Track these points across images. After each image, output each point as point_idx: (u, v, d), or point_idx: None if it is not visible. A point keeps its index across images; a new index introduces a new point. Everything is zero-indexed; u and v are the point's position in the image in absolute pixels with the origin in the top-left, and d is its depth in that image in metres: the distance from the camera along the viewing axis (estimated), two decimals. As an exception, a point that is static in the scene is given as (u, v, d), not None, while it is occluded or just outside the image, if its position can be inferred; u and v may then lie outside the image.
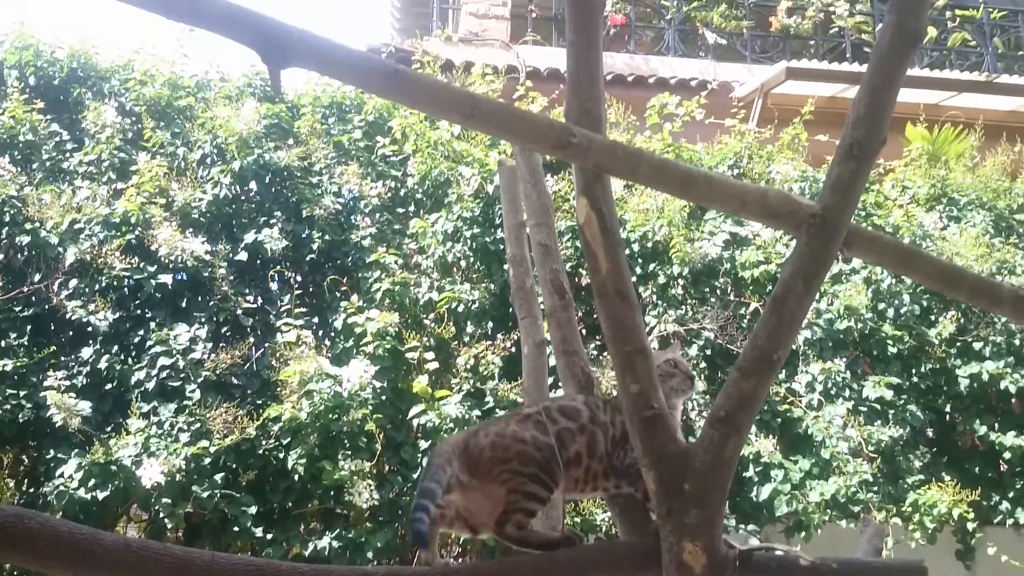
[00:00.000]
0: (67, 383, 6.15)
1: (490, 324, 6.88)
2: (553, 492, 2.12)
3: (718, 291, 7.16)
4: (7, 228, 6.61)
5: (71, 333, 6.61)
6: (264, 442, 6.22)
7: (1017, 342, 7.12)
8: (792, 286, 1.94)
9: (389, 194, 7.58)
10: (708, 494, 1.93)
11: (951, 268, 2.18)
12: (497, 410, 6.48)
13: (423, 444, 6.32)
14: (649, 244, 7.11)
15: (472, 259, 7.08)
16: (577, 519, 6.01)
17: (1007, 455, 6.91)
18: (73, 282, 6.60)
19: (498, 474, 2.10)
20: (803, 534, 6.20)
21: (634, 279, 7.02)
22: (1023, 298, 2.03)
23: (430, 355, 6.49)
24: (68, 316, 6.44)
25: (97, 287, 6.57)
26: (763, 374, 1.95)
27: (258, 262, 7.07)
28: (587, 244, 2.14)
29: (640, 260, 7.12)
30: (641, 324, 2.09)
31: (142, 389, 6.26)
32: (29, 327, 6.52)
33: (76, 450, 5.99)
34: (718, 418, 1.95)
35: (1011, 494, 6.95)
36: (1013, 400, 7.22)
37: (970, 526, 6.44)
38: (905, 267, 2.10)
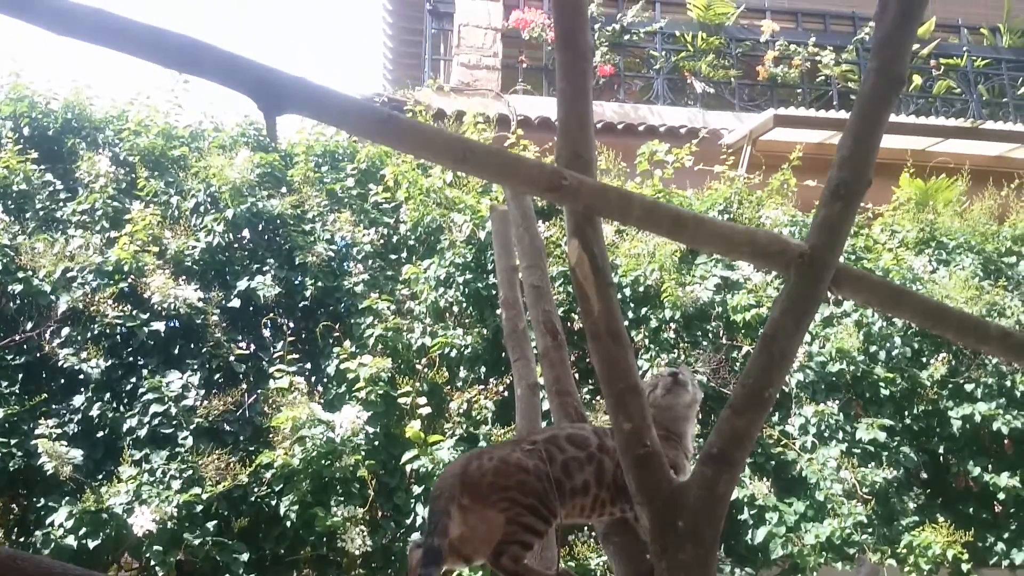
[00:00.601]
0: (58, 431, 6.14)
1: (483, 369, 6.90)
2: (551, 525, 2.11)
3: (710, 335, 7.20)
4: (0, 276, 6.62)
5: (63, 381, 6.61)
6: (256, 489, 6.20)
7: (1008, 383, 7.16)
8: (782, 324, 1.97)
9: (382, 241, 7.63)
10: (702, 531, 1.94)
11: (938, 306, 2.21)
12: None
13: (416, 489, 6.30)
14: (641, 288, 7.16)
15: (465, 304, 7.11)
16: (572, 563, 5.97)
17: (1001, 496, 6.92)
18: (65, 330, 6.61)
19: (497, 500, 2.10)
20: (799, 578, 6.18)
21: (626, 323, 7.03)
22: (1010, 335, 2.06)
23: (423, 400, 6.49)
24: (60, 364, 6.44)
25: (89, 335, 6.57)
26: (755, 411, 1.96)
27: (251, 309, 7.08)
28: (579, 285, 2.16)
29: (632, 304, 7.16)
30: (633, 363, 2.11)
31: (134, 436, 6.25)
32: (21, 375, 6.52)
33: (67, 498, 5.96)
34: (711, 455, 1.97)
35: (1006, 535, 6.95)
36: (1006, 441, 7.24)
37: (965, 567, 6.41)
38: (893, 305, 2.13)
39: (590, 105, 2.21)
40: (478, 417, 6.57)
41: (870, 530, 6.37)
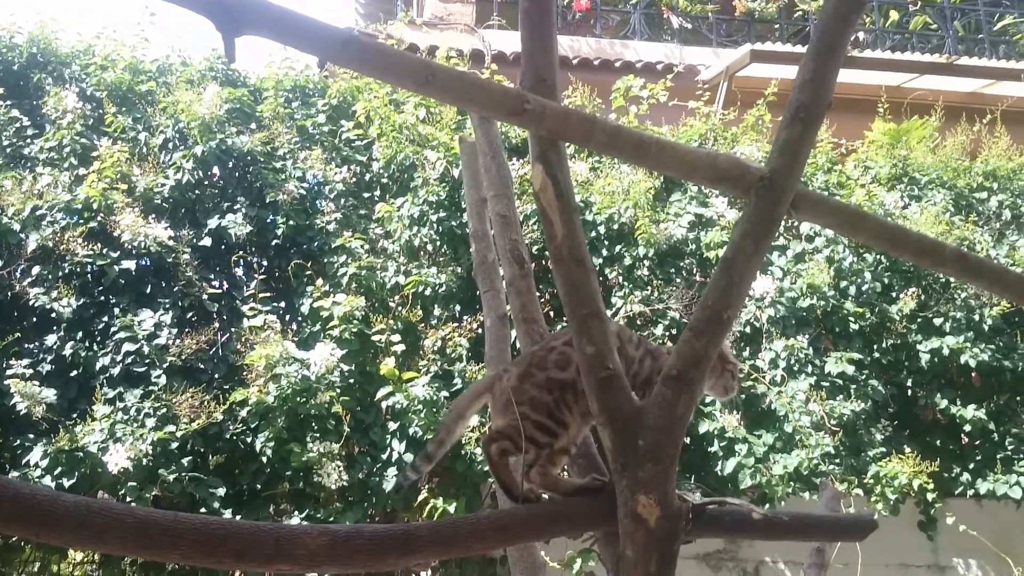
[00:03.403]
0: (31, 370, 6.13)
1: (457, 307, 6.91)
2: (557, 438, 2.20)
3: (683, 271, 7.23)
4: (-32, 215, 6.54)
5: (34, 320, 6.56)
6: (232, 426, 6.22)
7: (976, 317, 7.24)
8: (742, 247, 1.99)
9: (354, 179, 7.57)
10: (661, 450, 1.98)
11: (896, 228, 2.23)
12: (465, 391, 6.50)
13: (392, 425, 6.35)
14: (615, 226, 7.16)
15: (438, 243, 7.09)
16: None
17: (967, 428, 7.04)
18: (36, 269, 6.55)
19: (512, 416, 2.21)
20: (767, 506, 6.29)
21: (600, 261, 7.09)
22: (965, 256, 2.09)
23: (397, 338, 6.51)
24: (31, 303, 6.39)
25: (60, 274, 6.52)
26: (714, 333, 1.99)
27: (222, 247, 7.03)
28: (543, 210, 2.16)
29: (606, 242, 7.16)
30: (596, 288, 2.12)
31: (107, 375, 6.24)
32: (-9, 315, 6.47)
33: (42, 438, 5.95)
34: (671, 376, 2.00)
35: (971, 465, 7.09)
36: (973, 374, 7.36)
37: (930, 496, 6.56)
38: (851, 228, 2.15)
39: (553, 28, 2.19)
40: (452, 354, 6.61)
41: (837, 461, 6.50)
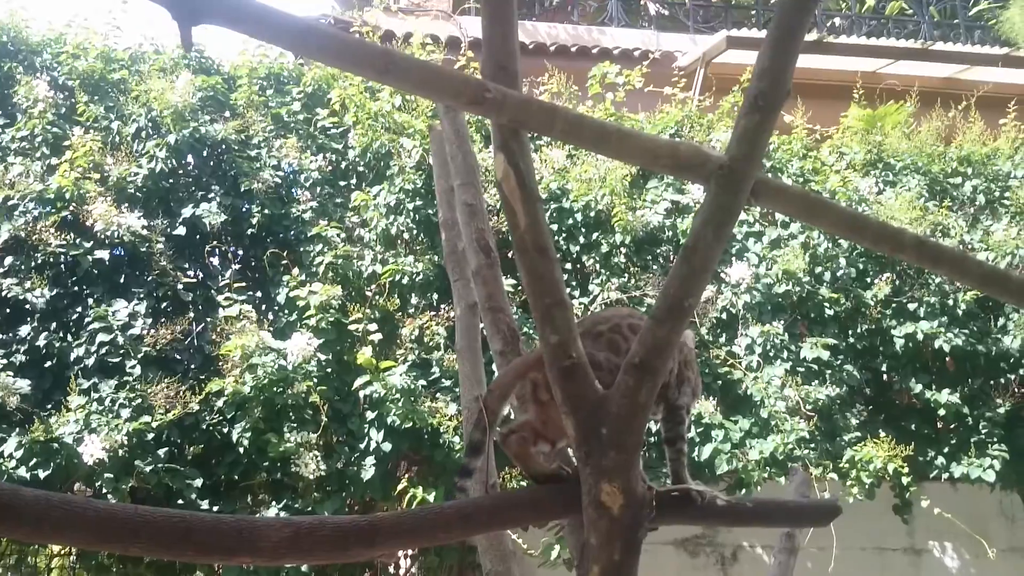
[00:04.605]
0: (5, 361, 6.09)
1: (434, 295, 6.89)
2: None
3: (660, 259, 7.24)
4: (-61, 206, 6.48)
5: (8, 311, 6.49)
6: (208, 416, 6.20)
7: (951, 302, 7.29)
8: (702, 235, 1.99)
9: (330, 167, 7.54)
10: (625, 437, 1.99)
11: (855, 215, 2.24)
12: (443, 380, 6.51)
13: (370, 415, 6.34)
14: (592, 213, 7.16)
15: (415, 231, 7.08)
16: (524, 483, 6.07)
17: (942, 412, 7.08)
18: (8, 259, 6.49)
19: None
20: (743, 491, 6.33)
21: (577, 248, 7.09)
22: (924, 243, 2.11)
23: (374, 327, 6.49)
24: (4, 294, 6.33)
25: (33, 264, 6.47)
26: (676, 321, 2.00)
27: (197, 237, 6.98)
28: (506, 200, 2.16)
29: (583, 229, 7.16)
30: (560, 277, 2.12)
31: (82, 366, 6.20)
32: (-37, 306, 6.42)
33: (16, 429, 5.91)
34: (633, 364, 2.00)
35: (946, 449, 7.14)
36: (947, 358, 7.40)
37: (905, 480, 6.61)
38: (810, 215, 2.16)
39: (514, 16, 2.18)
40: (430, 343, 6.60)
41: (812, 445, 6.53)
